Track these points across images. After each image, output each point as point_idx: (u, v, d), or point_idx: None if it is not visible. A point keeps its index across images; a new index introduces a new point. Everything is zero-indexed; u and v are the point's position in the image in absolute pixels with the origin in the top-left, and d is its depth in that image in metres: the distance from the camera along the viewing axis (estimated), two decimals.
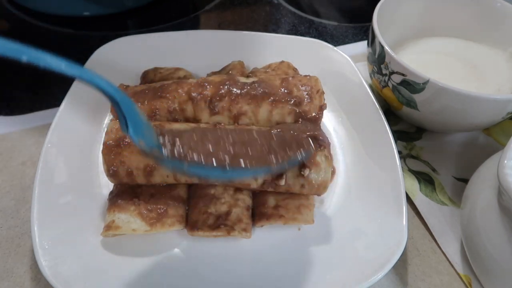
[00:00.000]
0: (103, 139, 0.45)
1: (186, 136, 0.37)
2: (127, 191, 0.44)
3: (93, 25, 0.74)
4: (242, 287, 0.41)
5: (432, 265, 0.45)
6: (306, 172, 0.42)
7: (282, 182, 0.42)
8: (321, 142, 0.43)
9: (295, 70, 0.56)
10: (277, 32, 0.73)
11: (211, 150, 0.36)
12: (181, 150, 0.35)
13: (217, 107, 0.47)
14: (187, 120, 0.48)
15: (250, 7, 0.82)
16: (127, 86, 0.50)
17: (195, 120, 0.48)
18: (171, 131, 0.38)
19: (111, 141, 0.43)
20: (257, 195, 0.46)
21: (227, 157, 0.36)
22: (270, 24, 0.78)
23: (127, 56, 0.58)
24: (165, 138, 0.36)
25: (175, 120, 0.47)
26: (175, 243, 0.43)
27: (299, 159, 0.39)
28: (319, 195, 0.45)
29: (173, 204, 0.44)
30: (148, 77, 0.55)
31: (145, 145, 0.32)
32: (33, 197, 0.43)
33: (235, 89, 0.47)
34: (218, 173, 0.35)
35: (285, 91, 0.48)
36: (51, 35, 0.72)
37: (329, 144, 0.44)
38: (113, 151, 0.43)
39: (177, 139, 0.36)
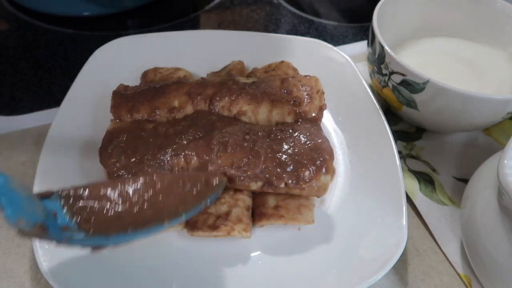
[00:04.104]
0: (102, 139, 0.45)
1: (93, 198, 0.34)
2: None
3: (93, 25, 0.74)
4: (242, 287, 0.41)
5: (432, 265, 0.45)
6: (306, 174, 0.42)
7: (282, 185, 0.42)
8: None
9: (295, 70, 0.56)
10: (277, 32, 0.73)
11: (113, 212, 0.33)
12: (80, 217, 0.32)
13: (217, 107, 0.47)
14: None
15: (250, 7, 0.82)
16: (127, 86, 0.50)
17: (195, 121, 0.48)
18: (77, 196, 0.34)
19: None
20: (257, 195, 0.46)
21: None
22: (270, 24, 0.78)
23: (127, 56, 0.58)
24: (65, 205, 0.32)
25: (175, 120, 0.47)
26: (175, 243, 0.43)
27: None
28: (319, 196, 0.45)
29: None
30: (148, 77, 0.55)
31: (27, 223, 0.29)
32: None
33: (235, 89, 0.47)
34: (102, 240, 0.32)
35: (285, 91, 0.48)
36: (51, 35, 0.73)
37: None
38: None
39: (79, 203, 0.33)
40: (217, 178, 0.37)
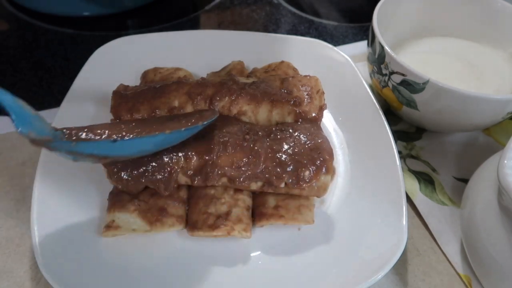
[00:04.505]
0: None
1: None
2: None
3: (93, 25, 0.74)
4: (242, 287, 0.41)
5: (432, 265, 0.45)
6: (306, 174, 0.42)
7: (282, 185, 0.42)
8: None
9: (295, 70, 0.56)
10: (277, 32, 0.73)
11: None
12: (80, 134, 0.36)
13: (217, 107, 0.47)
14: None
15: (250, 7, 0.82)
16: (127, 86, 0.50)
17: None
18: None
19: None
20: (257, 195, 0.46)
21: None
22: (270, 24, 0.78)
23: (127, 56, 0.58)
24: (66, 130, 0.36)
25: None
26: (175, 243, 0.43)
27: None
28: (319, 196, 0.44)
29: (173, 204, 0.44)
30: (148, 77, 0.55)
31: (36, 134, 0.33)
32: (33, 197, 0.43)
33: (235, 89, 0.47)
34: (108, 146, 0.36)
35: (285, 91, 0.48)
36: (51, 35, 0.73)
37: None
38: None
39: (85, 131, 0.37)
40: (209, 111, 0.44)
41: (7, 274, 0.43)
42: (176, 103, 0.47)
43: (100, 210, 0.44)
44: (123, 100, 0.48)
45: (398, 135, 0.57)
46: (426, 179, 0.52)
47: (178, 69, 0.55)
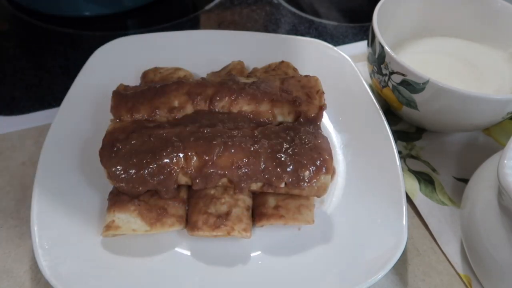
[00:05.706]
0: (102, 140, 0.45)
1: None
2: None
3: (93, 25, 0.74)
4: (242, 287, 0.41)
5: (432, 265, 0.45)
6: (306, 174, 0.42)
7: (282, 185, 0.42)
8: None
9: (295, 70, 0.56)
10: (277, 32, 0.73)
11: None
12: None
13: (217, 107, 0.47)
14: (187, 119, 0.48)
15: (250, 7, 0.82)
16: (127, 86, 0.50)
17: (195, 120, 0.48)
18: None
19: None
20: (257, 195, 0.46)
21: None
22: (270, 24, 0.78)
23: (127, 56, 0.58)
24: None
25: (176, 120, 0.47)
26: (175, 243, 0.43)
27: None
28: (319, 196, 0.45)
29: (173, 204, 0.44)
30: (148, 77, 0.55)
31: None
32: (33, 197, 0.43)
33: (235, 89, 0.47)
34: None
35: (285, 91, 0.48)
36: (51, 35, 0.73)
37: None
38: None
39: None
40: None
41: (7, 274, 0.43)
42: (176, 103, 0.47)
43: (100, 210, 0.44)
44: (123, 100, 0.48)
45: (398, 135, 0.57)
46: (426, 179, 0.52)
47: (178, 69, 0.55)
